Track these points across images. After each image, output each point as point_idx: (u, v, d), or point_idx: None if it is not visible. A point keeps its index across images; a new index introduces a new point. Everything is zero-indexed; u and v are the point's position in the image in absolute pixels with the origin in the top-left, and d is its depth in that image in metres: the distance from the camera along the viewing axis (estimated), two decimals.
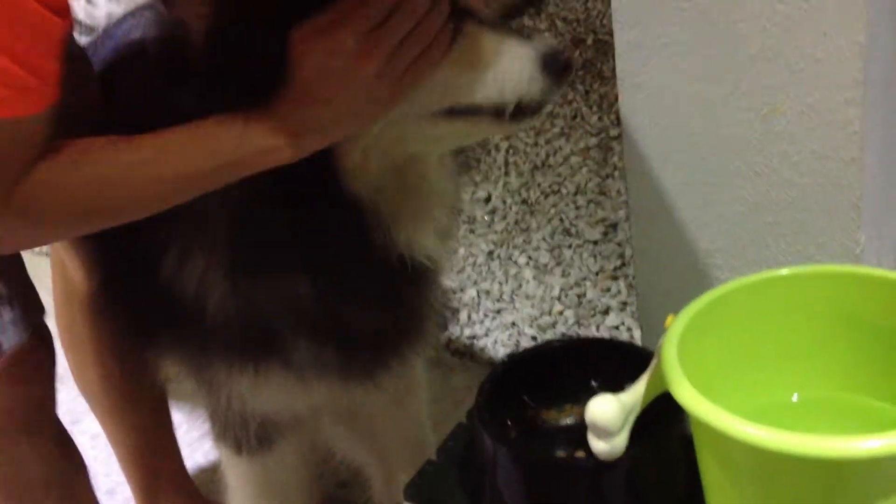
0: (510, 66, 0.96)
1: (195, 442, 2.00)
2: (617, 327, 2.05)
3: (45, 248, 2.26)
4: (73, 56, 1.26)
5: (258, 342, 1.11)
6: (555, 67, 0.96)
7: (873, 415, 1.00)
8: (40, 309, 1.29)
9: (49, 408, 1.35)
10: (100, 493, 1.89)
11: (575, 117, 2.93)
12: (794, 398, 1.03)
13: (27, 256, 1.30)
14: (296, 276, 1.05)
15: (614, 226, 2.36)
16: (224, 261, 1.06)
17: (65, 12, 0.91)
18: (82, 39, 1.32)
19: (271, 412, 1.23)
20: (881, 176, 1.19)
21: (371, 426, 1.45)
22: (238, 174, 0.96)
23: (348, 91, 0.92)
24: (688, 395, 0.87)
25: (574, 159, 2.73)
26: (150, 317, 1.20)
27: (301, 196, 0.99)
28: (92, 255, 1.36)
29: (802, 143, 1.14)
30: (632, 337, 1.99)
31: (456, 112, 0.99)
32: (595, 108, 2.89)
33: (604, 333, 2.03)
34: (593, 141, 2.77)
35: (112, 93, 1.20)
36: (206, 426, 1.36)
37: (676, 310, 1.00)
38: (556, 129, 2.88)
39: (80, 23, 1.31)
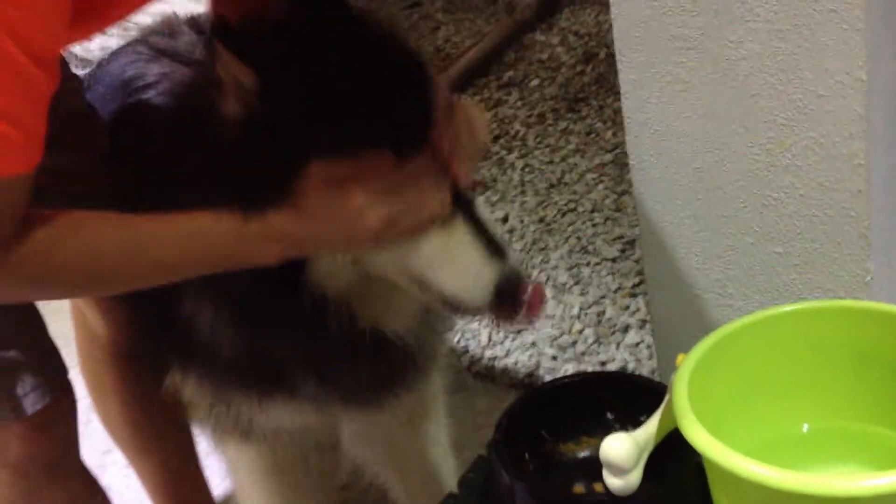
0: (470, 282, 1.03)
1: (224, 470, 2.05)
2: (637, 344, 2.07)
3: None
4: (83, 113, 1.31)
5: (266, 377, 1.19)
6: (504, 296, 1.03)
7: (883, 443, 1.02)
8: (63, 370, 1.32)
9: (73, 451, 1.37)
10: None
11: (589, 133, 2.95)
12: (805, 429, 1.05)
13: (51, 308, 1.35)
14: (284, 338, 1.13)
15: (631, 242, 2.38)
16: (229, 312, 1.14)
17: (52, 69, 0.92)
18: (78, 72, 1.36)
19: (283, 428, 1.30)
20: (889, 206, 1.21)
21: (388, 447, 1.48)
22: (226, 268, 1.02)
23: (342, 234, 1.00)
24: (698, 436, 0.89)
25: (590, 176, 2.75)
26: (170, 352, 1.29)
27: (270, 281, 1.06)
28: (110, 304, 1.41)
29: (809, 176, 1.16)
30: (651, 353, 2.01)
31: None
32: (609, 124, 2.91)
33: (624, 352, 2.05)
34: (608, 157, 2.79)
35: (121, 142, 1.25)
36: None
37: (691, 339, 1.03)
38: (571, 146, 2.90)
39: (75, 56, 1.36)
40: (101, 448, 2.13)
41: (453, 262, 1.04)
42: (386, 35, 1.07)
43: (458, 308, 1.06)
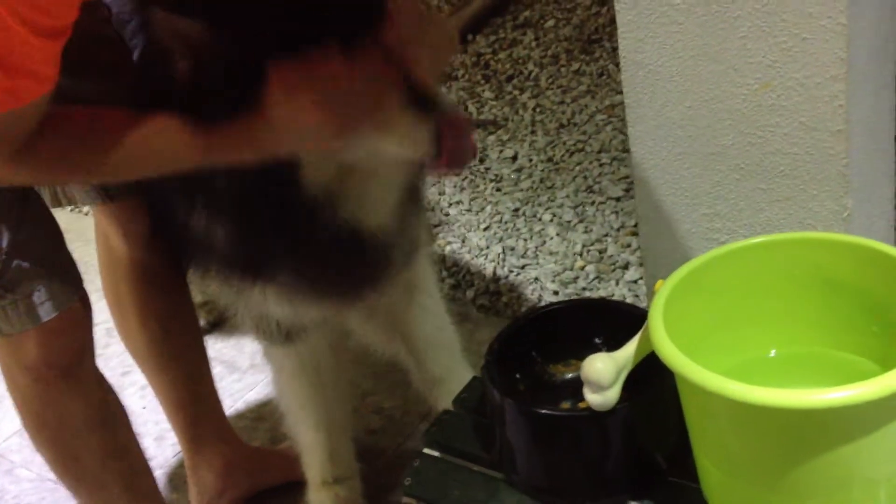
0: (407, 141, 1.12)
1: (236, 393, 2.14)
2: (636, 281, 2.13)
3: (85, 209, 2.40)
4: (111, 40, 1.37)
5: (254, 269, 1.30)
6: (443, 143, 1.11)
7: (848, 367, 1.09)
8: (78, 280, 1.39)
9: (88, 358, 1.43)
10: (149, 439, 2.03)
11: (602, 75, 2.98)
12: (772, 353, 1.12)
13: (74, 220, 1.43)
14: (269, 230, 1.23)
15: None
16: (224, 211, 1.25)
17: (57, 32, 0.98)
18: None
19: (283, 318, 1.40)
20: (869, 146, 1.26)
21: (393, 322, 1.59)
22: (206, 165, 1.11)
23: (303, 128, 1.08)
24: (670, 354, 0.96)
25: (599, 117, 2.78)
26: (185, 254, 1.46)
27: (266, 180, 1.16)
28: (129, 221, 1.50)
29: (792, 116, 1.21)
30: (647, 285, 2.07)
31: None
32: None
33: (623, 288, 2.12)
34: (619, 98, 2.82)
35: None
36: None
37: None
38: (583, 87, 2.94)
39: None
40: (118, 370, 2.22)
41: (393, 134, 1.12)
42: None
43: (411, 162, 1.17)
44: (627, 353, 1.07)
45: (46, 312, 1.31)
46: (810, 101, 1.19)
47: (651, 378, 1.08)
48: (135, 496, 1.51)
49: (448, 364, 1.64)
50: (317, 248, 1.23)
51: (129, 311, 1.62)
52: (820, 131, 1.20)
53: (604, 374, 1.04)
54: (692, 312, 1.06)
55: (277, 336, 1.43)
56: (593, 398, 1.06)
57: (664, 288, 1.06)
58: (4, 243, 1.26)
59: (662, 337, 0.98)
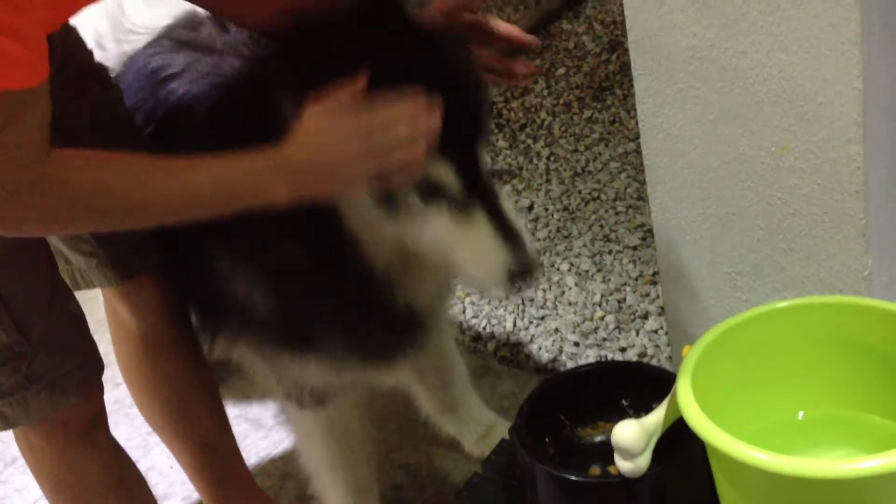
0: (484, 270, 1.15)
1: (262, 451, 2.15)
2: (656, 331, 2.15)
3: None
4: (125, 120, 1.40)
5: (297, 337, 1.32)
6: (516, 281, 1.15)
7: (875, 429, 1.10)
8: (99, 371, 1.41)
9: (102, 422, 1.45)
10: (176, 500, 2.04)
11: (613, 122, 3.02)
12: (800, 416, 1.13)
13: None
14: (322, 304, 1.26)
15: (652, 231, 2.45)
16: (268, 278, 1.27)
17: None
18: None
19: (318, 385, 1.42)
20: (887, 205, 1.28)
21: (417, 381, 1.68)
22: (239, 204, 1.11)
23: (335, 159, 1.09)
24: (699, 422, 0.98)
25: (613, 165, 2.81)
26: (214, 315, 1.46)
27: (331, 255, 1.19)
28: (138, 296, 1.51)
29: (810, 178, 1.24)
30: (670, 340, 2.08)
31: None
32: (633, 112, 2.94)
33: (644, 338, 2.13)
34: (631, 146, 2.85)
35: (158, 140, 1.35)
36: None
37: (703, 329, 1.11)
38: (596, 135, 2.97)
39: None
40: (144, 429, 2.23)
41: (470, 253, 1.15)
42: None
43: (476, 284, 1.20)
44: (657, 418, 1.08)
45: (66, 401, 1.33)
46: (828, 164, 1.21)
47: (680, 443, 1.09)
48: None
49: (457, 393, 1.73)
50: (369, 321, 1.26)
51: (144, 384, 1.63)
52: (838, 192, 1.23)
53: (634, 441, 1.06)
54: (720, 376, 1.08)
55: (309, 401, 1.45)
56: (624, 465, 1.07)
57: (691, 354, 1.07)
58: (34, 336, 1.28)
59: (691, 404, 1.00)
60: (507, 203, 1.20)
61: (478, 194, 1.15)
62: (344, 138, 1.09)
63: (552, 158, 2.91)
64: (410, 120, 1.10)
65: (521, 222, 1.19)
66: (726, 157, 1.29)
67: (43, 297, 1.30)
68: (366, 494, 1.64)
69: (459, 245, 1.16)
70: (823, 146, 1.21)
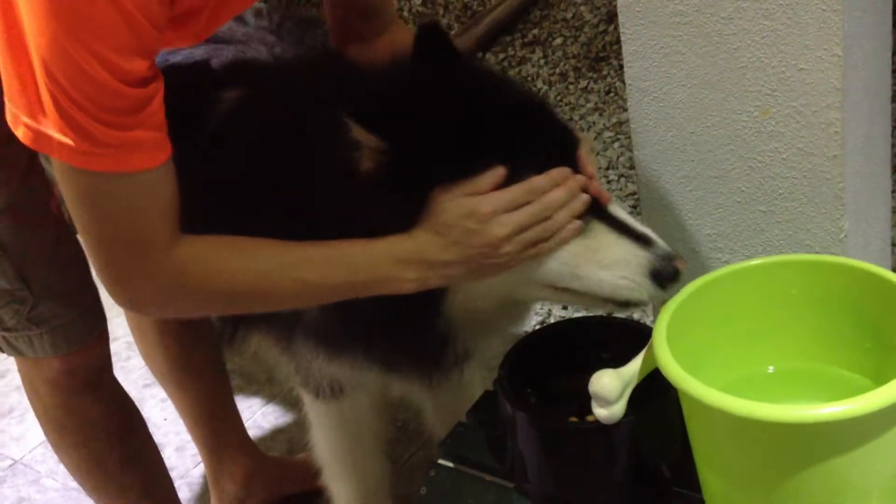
0: (622, 272, 1.11)
1: (255, 405, 2.20)
2: None
3: None
4: None
5: (335, 343, 1.30)
6: (663, 277, 1.12)
7: (841, 383, 1.14)
8: (101, 320, 1.45)
9: (107, 371, 1.50)
10: (170, 449, 2.10)
11: (609, 92, 3.05)
12: (770, 370, 1.17)
13: None
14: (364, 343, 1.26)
15: None
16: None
17: (143, 80, 0.98)
18: None
19: (337, 378, 1.43)
20: (864, 170, 1.32)
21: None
22: (367, 293, 1.11)
23: (472, 250, 1.08)
24: (672, 370, 1.02)
25: (607, 134, 2.85)
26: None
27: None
28: None
29: (790, 142, 1.27)
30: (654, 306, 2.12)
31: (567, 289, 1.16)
32: None
33: None
34: (625, 116, 2.87)
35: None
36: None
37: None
38: (591, 105, 3.00)
39: None
40: (140, 382, 2.29)
41: (602, 263, 1.13)
42: (502, 79, 1.24)
43: (622, 304, 1.15)
44: (633, 369, 1.13)
45: (68, 346, 1.37)
46: (807, 128, 1.25)
47: (655, 392, 1.14)
48: (154, 500, 1.56)
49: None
50: (409, 344, 1.23)
51: (149, 333, 1.67)
52: (817, 156, 1.26)
53: (610, 389, 1.10)
54: (694, 330, 1.12)
55: (326, 392, 1.45)
56: (600, 412, 1.11)
57: (668, 307, 1.11)
58: (36, 284, 1.31)
59: (666, 355, 1.04)
60: (621, 208, 1.18)
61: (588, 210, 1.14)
62: (479, 221, 1.07)
63: None
64: (565, 184, 1.10)
65: (644, 225, 1.16)
66: (710, 122, 1.32)
67: (46, 245, 1.34)
68: (377, 488, 1.63)
69: (585, 260, 1.13)
70: (803, 111, 1.24)
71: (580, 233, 1.13)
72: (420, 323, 1.18)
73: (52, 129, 0.95)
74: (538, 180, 1.11)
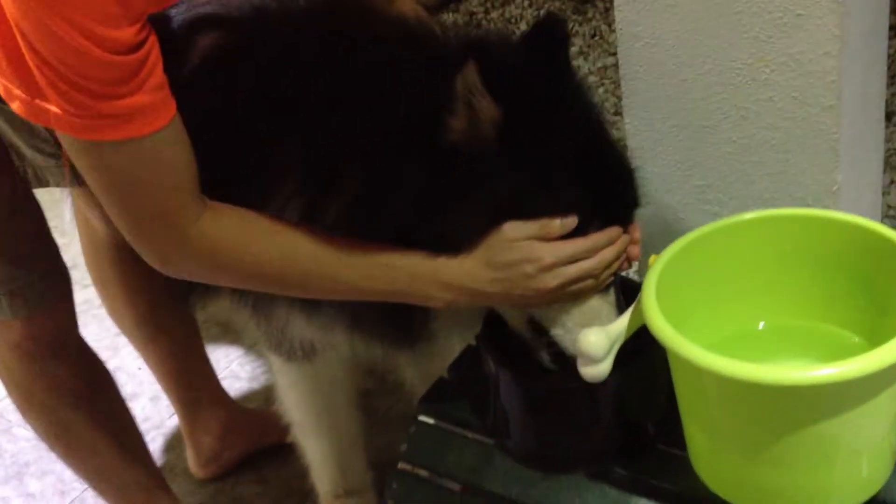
0: (592, 340, 1.07)
1: (231, 353, 2.16)
2: None
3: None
4: None
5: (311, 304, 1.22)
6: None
7: (832, 340, 1.12)
8: (64, 279, 1.39)
9: (73, 331, 1.45)
10: (145, 399, 2.06)
11: (594, 36, 2.98)
12: (761, 326, 1.15)
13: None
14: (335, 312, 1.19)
15: (628, 146, 2.43)
16: None
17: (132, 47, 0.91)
18: None
19: (309, 338, 1.36)
20: (859, 121, 1.28)
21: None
22: (396, 300, 1.08)
23: (518, 290, 1.05)
24: (661, 329, 0.99)
25: (592, 79, 2.79)
26: None
27: None
28: None
29: (784, 91, 1.23)
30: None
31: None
32: (614, 27, 2.93)
33: None
34: (611, 60, 2.82)
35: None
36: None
37: (672, 242, 1.11)
38: (575, 49, 2.93)
39: None
40: (113, 330, 2.23)
41: (589, 322, 1.10)
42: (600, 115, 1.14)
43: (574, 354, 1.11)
44: (620, 326, 1.09)
45: (28, 309, 1.32)
46: (803, 77, 1.20)
47: (642, 349, 1.10)
48: (127, 462, 1.53)
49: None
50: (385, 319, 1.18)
51: (115, 291, 1.63)
52: (812, 106, 1.22)
53: (597, 347, 1.06)
54: (684, 286, 1.09)
55: (298, 354, 1.39)
56: (586, 370, 1.08)
57: (657, 263, 1.08)
58: None
59: (654, 312, 1.00)
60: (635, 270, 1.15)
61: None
62: (534, 271, 1.03)
63: None
64: (617, 244, 1.08)
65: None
66: (703, 69, 1.28)
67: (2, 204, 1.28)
68: (351, 447, 1.59)
69: (582, 322, 1.10)
70: (800, 59, 1.20)
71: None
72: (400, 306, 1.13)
73: (47, 103, 0.91)
74: (600, 239, 1.07)
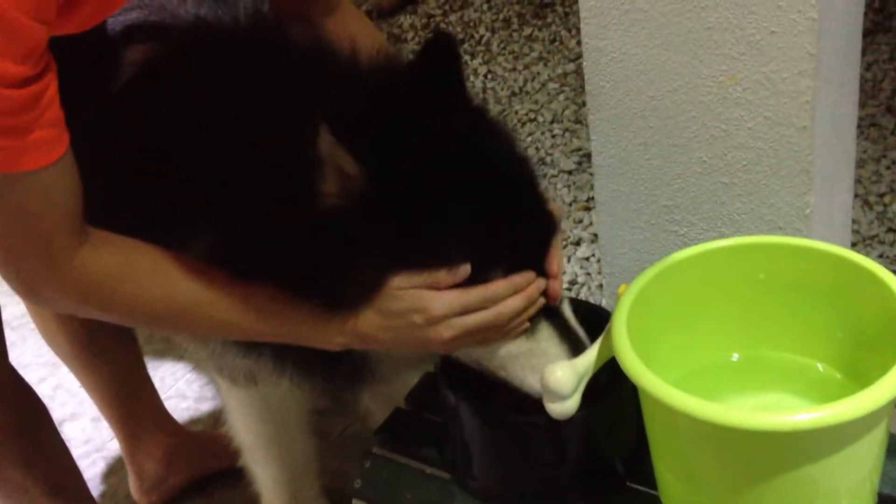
0: (554, 375, 1.01)
1: (178, 372, 2.08)
2: (587, 258, 2.11)
3: None
4: None
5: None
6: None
7: (808, 374, 1.08)
8: None
9: (3, 363, 1.35)
10: (86, 420, 1.97)
11: (554, 41, 2.94)
12: (734, 357, 1.10)
13: None
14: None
15: (589, 156, 2.39)
16: None
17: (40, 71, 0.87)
18: None
19: (255, 370, 1.28)
20: (832, 142, 1.24)
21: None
22: (292, 342, 1.04)
23: (415, 339, 1.00)
24: (632, 366, 0.93)
25: (552, 85, 2.74)
26: None
27: None
28: None
29: (757, 110, 1.18)
30: (601, 268, 2.05)
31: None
32: (574, 32, 2.89)
33: (575, 265, 2.09)
34: (571, 67, 2.78)
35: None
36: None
37: (638, 263, 1.06)
38: (535, 54, 2.89)
39: None
40: (47, 357, 2.14)
41: (535, 369, 1.04)
42: (501, 134, 1.06)
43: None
44: (588, 360, 1.03)
45: None
46: (776, 96, 1.16)
47: (611, 383, 1.05)
48: (61, 499, 1.44)
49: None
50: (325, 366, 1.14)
51: (48, 315, 1.54)
52: (785, 126, 1.17)
53: (563, 383, 1.01)
54: (656, 315, 1.04)
55: (242, 382, 1.31)
56: (553, 407, 1.02)
57: (627, 293, 1.02)
58: None
59: (626, 347, 0.95)
60: (569, 311, 1.09)
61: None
62: (427, 321, 0.98)
63: (489, 77, 2.83)
64: (525, 291, 1.01)
65: (581, 331, 1.08)
66: (672, 86, 1.23)
67: None
68: (303, 472, 1.53)
69: (520, 362, 1.05)
70: (773, 78, 1.15)
71: (524, 333, 1.05)
72: (332, 356, 1.08)
73: None
74: (499, 288, 1.00)
